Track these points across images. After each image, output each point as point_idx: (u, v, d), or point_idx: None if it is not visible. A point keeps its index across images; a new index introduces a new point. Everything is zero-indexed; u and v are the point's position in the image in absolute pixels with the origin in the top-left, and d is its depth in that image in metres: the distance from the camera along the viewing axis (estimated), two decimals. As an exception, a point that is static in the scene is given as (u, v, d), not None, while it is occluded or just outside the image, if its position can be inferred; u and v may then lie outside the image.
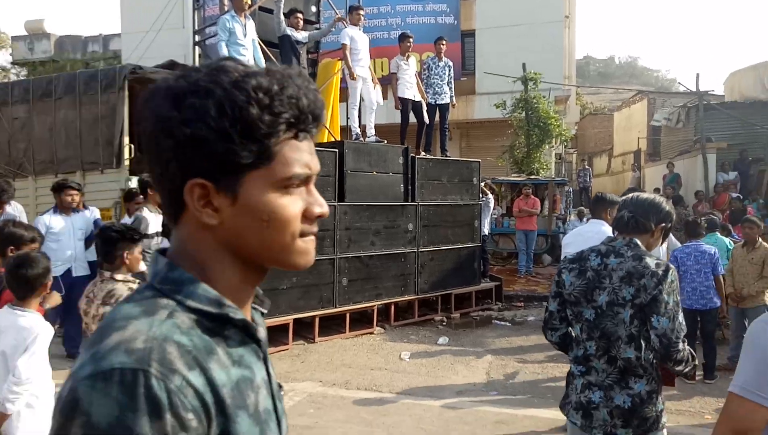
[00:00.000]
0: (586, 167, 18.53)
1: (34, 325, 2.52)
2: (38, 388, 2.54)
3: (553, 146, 15.25)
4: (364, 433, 4.16)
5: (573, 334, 2.28)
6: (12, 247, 3.08)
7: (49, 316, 2.84)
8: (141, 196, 5.66)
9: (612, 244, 2.24)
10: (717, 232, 6.27)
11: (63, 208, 5.71)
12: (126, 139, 7.72)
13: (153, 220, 5.15)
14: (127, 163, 7.71)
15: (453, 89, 8.48)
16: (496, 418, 4.48)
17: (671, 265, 2.15)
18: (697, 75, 13.92)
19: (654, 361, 2.14)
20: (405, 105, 7.96)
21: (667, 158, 16.05)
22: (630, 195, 2.39)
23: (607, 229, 4.15)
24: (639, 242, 2.20)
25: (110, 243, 2.79)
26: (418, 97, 8.07)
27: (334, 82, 9.71)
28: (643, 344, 2.11)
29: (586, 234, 4.25)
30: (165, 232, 5.46)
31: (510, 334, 7.13)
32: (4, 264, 3.07)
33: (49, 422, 2.23)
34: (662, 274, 2.08)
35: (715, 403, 4.81)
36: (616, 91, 39.77)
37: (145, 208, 5.29)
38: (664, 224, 2.25)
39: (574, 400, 2.25)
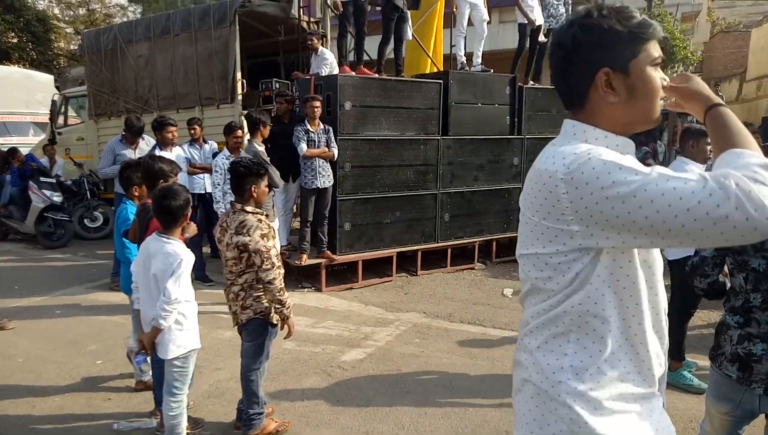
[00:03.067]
0: (719, 93, 16.55)
1: (179, 251, 2.80)
2: (185, 307, 2.84)
3: (676, 71, 13.80)
4: (468, 365, 4.28)
5: (728, 285, 2.13)
6: (162, 181, 3.36)
7: (189, 244, 3.13)
8: (240, 131, 5.77)
9: None
10: None
11: (164, 144, 5.92)
12: (239, 75, 8.01)
13: (262, 152, 5.38)
14: (240, 97, 8.04)
15: (570, 10, 7.81)
16: (605, 360, 4.40)
17: None
18: None
19: None
20: (524, 30, 7.48)
21: (817, 82, 13.96)
22: None
23: (687, 168, 3.70)
24: None
25: (239, 177, 2.98)
26: (539, 21, 7.54)
27: (437, 8, 9.33)
28: None
29: None
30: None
31: (619, 275, 6.84)
32: (150, 196, 3.37)
33: (194, 336, 2.50)
34: None
35: None
36: (756, 2, 34.60)
37: (254, 142, 5.49)
38: None
39: (729, 351, 2.12)
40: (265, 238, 2.94)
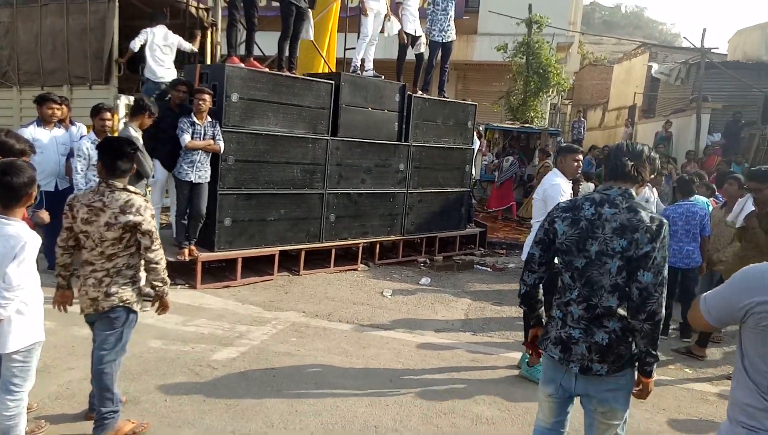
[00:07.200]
0: (581, 119, 18.33)
1: (22, 233, 2.51)
2: (28, 295, 2.56)
3: (550, 95, 15.04)
4: (343, 362, 4.32)
5: (562, 282, 2.34)
6: (2, 157, 3.02)
7: (37, 229, 2.83)
8: (108, 113, 5.44)
9: (607, 192, 2.25)
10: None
11: (45, 121, 5.58)
12: (116, 54, 7.44)
13: (138, 139, 5.08)
14: (116, 79, 7.47)
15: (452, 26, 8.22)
16: (472, 356, 4.67)
17: (665, 220, 2.18)
18: (704, 30, 13.47)
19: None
20: (406, 39, 7.74)
21: (663, 116, 15.96)
22: (623, 142, 2.37)
23: (556, 179, 4.19)
24: (633, 193, 2.24)
25: (113, 153, 2.82)
26: (419, 32, 7.84)
27: (333, 10, 9.37)
28: (625, 294, 2.18)
29: (542, 185, 4.33)
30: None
31: (490, 280, 7.31)
32: None
33: (38, 327, 2.27)
34: (656, 229, 2.13)
35: (681, 358, 5.06)
36: (619, 42, 38.84)
37: (129, 126, 5.17)
38: (653, 176, 2.37)
39: (553, 335, 2.35)
40: (153, 218, 2.92)
